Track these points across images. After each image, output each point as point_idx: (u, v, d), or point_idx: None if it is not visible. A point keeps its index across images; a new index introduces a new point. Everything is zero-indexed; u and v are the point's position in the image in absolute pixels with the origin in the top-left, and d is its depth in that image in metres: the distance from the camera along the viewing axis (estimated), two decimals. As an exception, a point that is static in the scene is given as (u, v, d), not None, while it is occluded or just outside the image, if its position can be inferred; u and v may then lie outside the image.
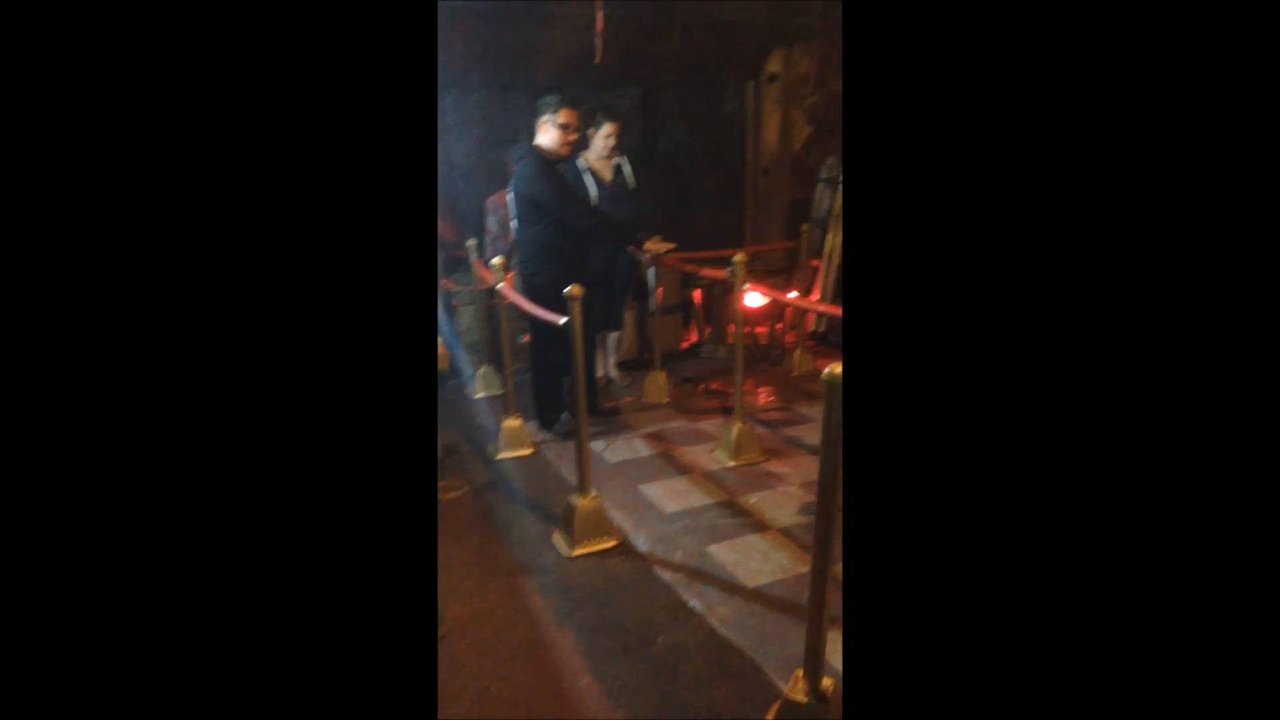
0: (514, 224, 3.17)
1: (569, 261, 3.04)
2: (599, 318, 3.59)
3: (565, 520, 2.39)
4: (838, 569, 2.16)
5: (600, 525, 2.37)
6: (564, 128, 2.93)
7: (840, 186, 4.66)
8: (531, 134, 3.01)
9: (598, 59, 2.90)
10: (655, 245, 3.29)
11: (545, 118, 2.95)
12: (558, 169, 3.03)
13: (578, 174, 3.44)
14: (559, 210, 2.93)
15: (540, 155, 2.95)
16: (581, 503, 2.33)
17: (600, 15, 2.84)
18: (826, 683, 1.48)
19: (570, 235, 3.00)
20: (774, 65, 5.15)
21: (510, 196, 3.12)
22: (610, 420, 3.47)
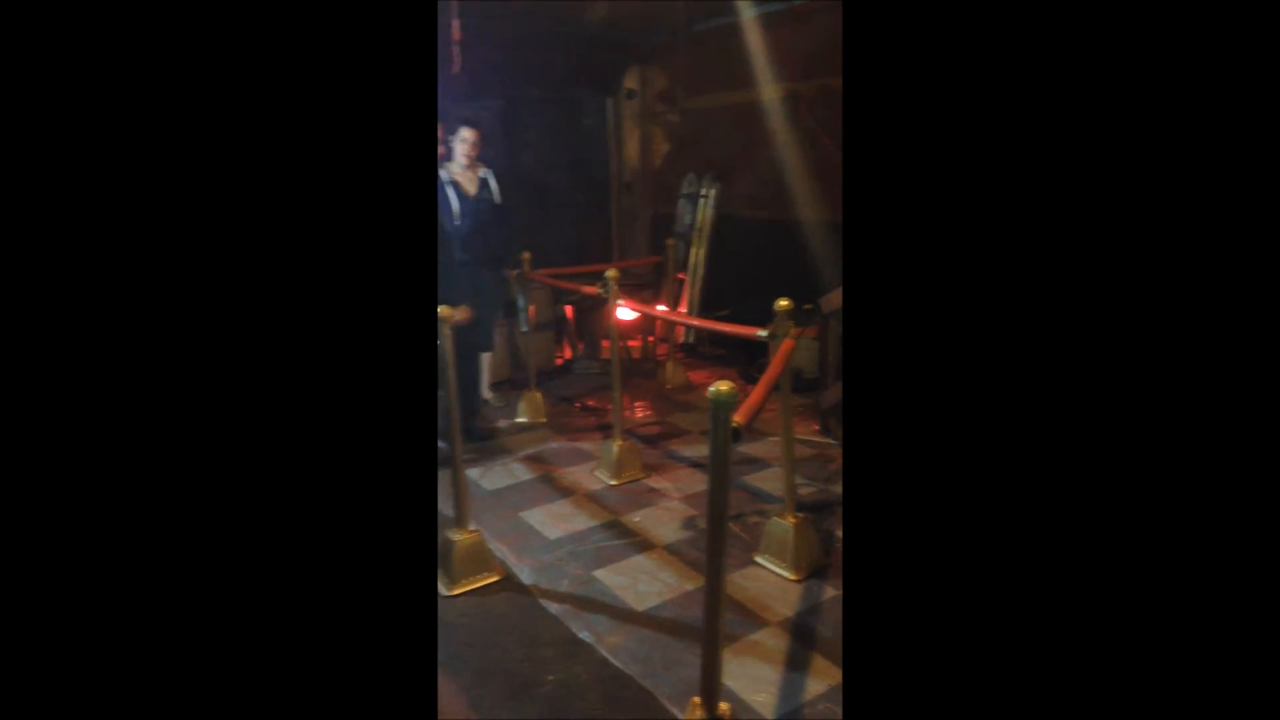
0: None
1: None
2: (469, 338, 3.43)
3: (442, 558, 2.24)
4: (729, 587, 2.17)
5: (480, 560, 2.24)
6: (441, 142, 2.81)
7: (700, 201, 4.79)
8: None
9: (455, 68, 2.78)
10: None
11: None
12: None
13: (440, 188, 3.28)
14: None
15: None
16: (459, 538, 2.20)
17: (456, 24, 2.72)
18: (723, 707, 1.46)
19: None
20: (630, 82, 5.23)
21: None
22: (486, 444, 3.32)
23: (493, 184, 3.46)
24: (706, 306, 4.76)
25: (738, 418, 1.37)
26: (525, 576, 2.27)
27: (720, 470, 1.36)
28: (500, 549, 2.43)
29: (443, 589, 2.19)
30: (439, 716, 1.68)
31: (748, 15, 4.13)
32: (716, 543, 1.39)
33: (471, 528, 2.24)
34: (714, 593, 1.40)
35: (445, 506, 2.72)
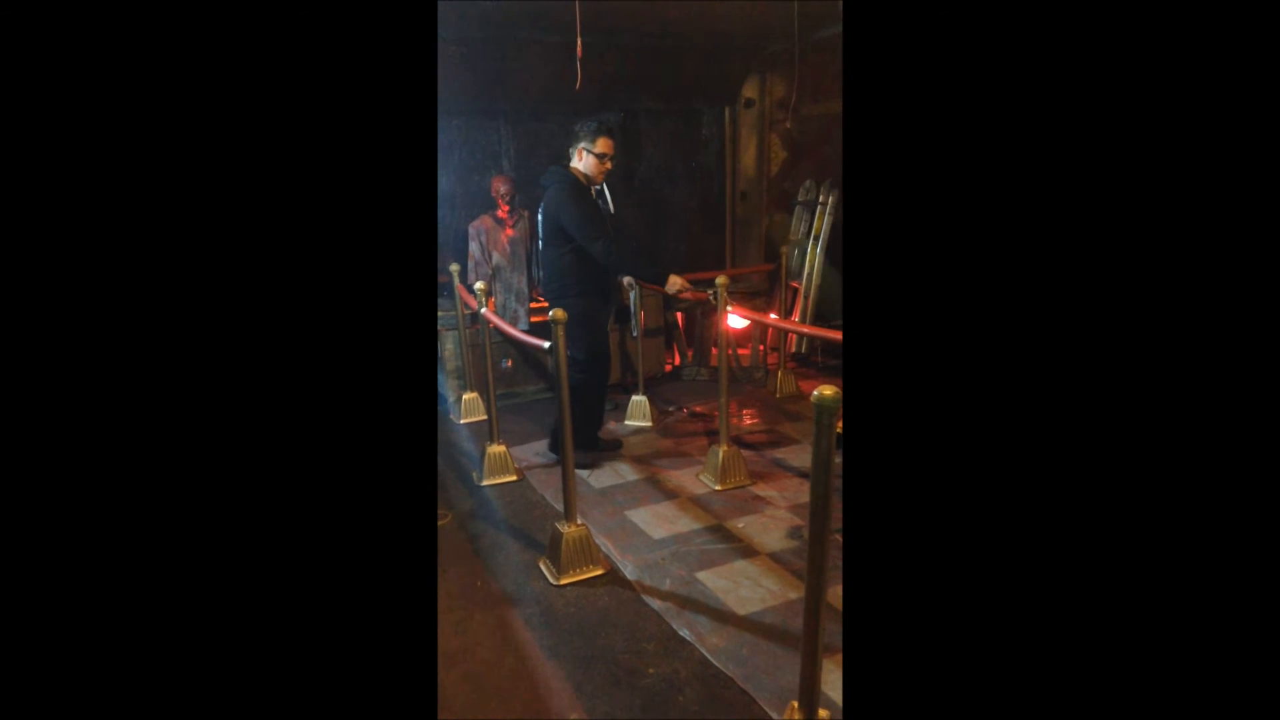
0: (540, 245, 3.08)
1: (591, 284, 2.98)
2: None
3: (552, 548, 2.35)
4: (831, 596, 2.14)
5: (587, 553, 2.33)
6: (601, 157, 2.89)
7: (819, 209, 4.72)
8: (556, 157, 3.00)
9: (578, 86, 2.91)
10: (679, 282, 2.98)
11: (582, 144, 2.90)
12: (590, 195, 2.97)
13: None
14: (583, 238, 2.84)
15: (575, 180, 2.90)
16: (568, 530, 2.29)
17: (580, 42, 2.86)
18: (822, 715, 1.46)
19: (594, 262, 2.91)
20: (749, 91, 5.24)
21: (539, 218, 3.05)
22: (612, 454, 3.32)
23: (607, 195, 3.58)
24: (822, 315, 4.68)
25: (842, 424, 1.37)
26: (629, 572, 2.34)
27: (822, 475, 1.37)
28: (606, 545, 2.51)
29: (550, 578, 2.30)
30: (545, 698, 1.77)
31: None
32: (818, 546, 1.39)
33: (579, 522, 2.33)
34: (815, 596, 1.40)
35: (556, 501, 2.85)
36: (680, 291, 2.99)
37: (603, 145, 2.89)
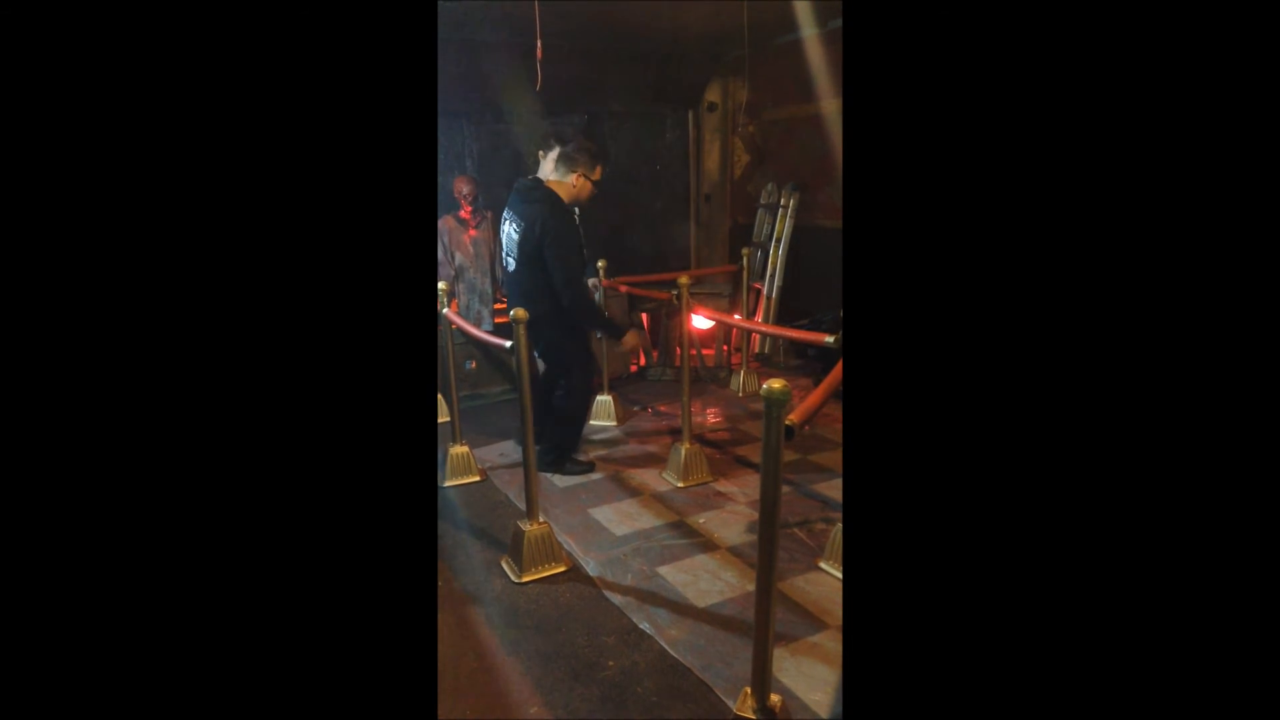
0: (508, 259, 2.86)
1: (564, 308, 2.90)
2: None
3: (513, 546, 2.36)
4: (782, 586, 2.19)
5: (549, 551, 2.35)
6: (597, 185, 2.83)
7: (780, 212, 4.79)
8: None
9: (538, 86, 2.93)
10: (632, 341, 3.04)
11: (580, 170, 2.76)
12: (577, 225, 2.83)
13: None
14: (561, 275, 2.71)
15: (566, 207, 2.77)
16: (529, 528, 2.31)
17: (540, 44, 2.88)
18: (774, 699, 1.50)
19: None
20: (712, 95, 5.31)
21: (508, 229, 2.84)
22: (585, 472, 3.17)
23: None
24: (786, 316, 4.75)
25: (793, 417, 1.41)
26: (591, 569, 2.36)
27: (773, 466, 1.41)
28: (568, 542, 2.53)
29: (512, 576, 2.31)
30: (505, 694, 1.79)
31: (821, 30, 4.14)
32: (768, 533, 1.43)
33: (541, 520, 2.34)
34: (765, 583, 1.44)
35: (519, 500, 2.86)
36: (633, 350, 2.93)
37: (599, 174, 2.84)
